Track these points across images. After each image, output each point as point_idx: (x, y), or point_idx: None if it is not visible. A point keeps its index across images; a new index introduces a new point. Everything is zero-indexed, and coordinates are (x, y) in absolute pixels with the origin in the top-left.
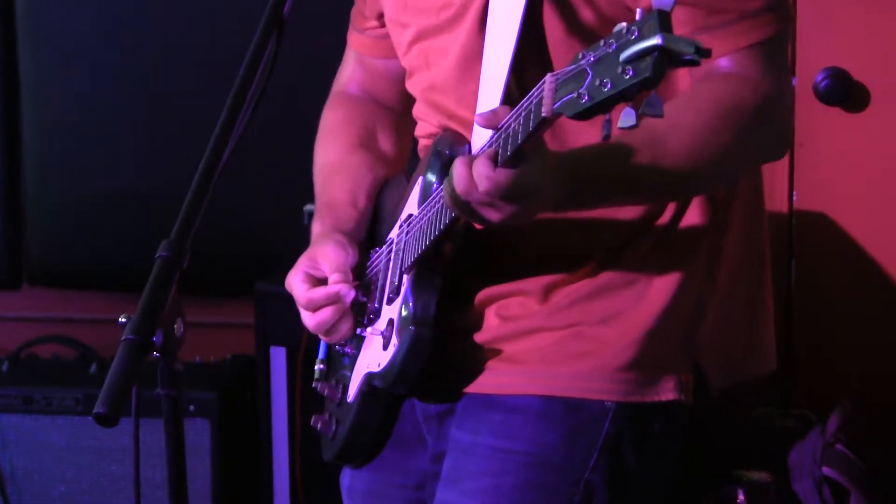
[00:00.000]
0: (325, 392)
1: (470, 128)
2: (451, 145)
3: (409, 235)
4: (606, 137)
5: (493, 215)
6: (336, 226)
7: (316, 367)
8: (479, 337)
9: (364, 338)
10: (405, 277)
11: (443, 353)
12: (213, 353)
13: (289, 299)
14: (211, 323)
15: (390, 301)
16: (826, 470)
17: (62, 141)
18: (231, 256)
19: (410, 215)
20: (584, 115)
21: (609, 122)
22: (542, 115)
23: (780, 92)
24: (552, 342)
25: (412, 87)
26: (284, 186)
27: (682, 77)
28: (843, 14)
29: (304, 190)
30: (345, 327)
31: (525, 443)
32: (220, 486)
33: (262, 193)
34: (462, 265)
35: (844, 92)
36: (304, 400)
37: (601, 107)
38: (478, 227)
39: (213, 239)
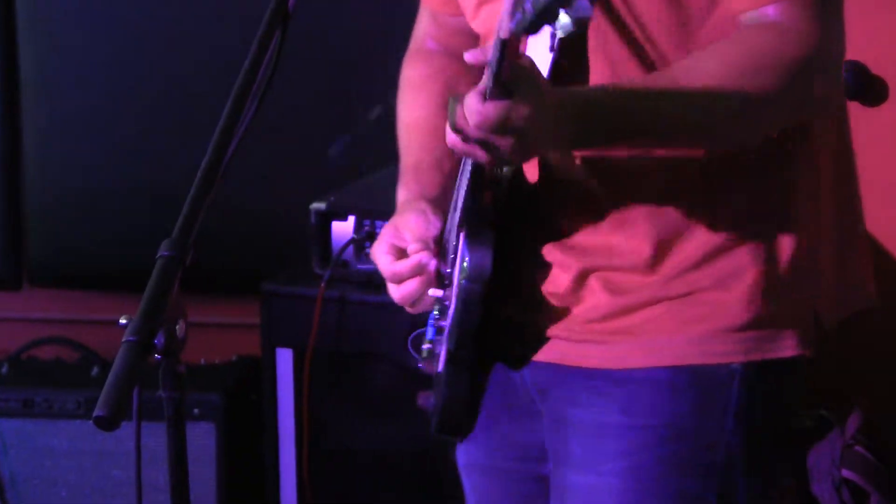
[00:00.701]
0: (428, 369)
1: None
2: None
3: (459, 190)
4: (552, 49)
5: (490, 152)
6: (421, 192)
7: (424, 347)
8: (582, 310)
9: (447, 305)
10: (461, 234)
11: (510, 314)
12: (218, 354)
13: (295, 299)
14: (215, 323)
15: (453, 263)
16: (845, 472)
17: (63, 140)
18: (236, 255)
19: (464, 170)
20: (532, 27)
21: (554, 35)
22: (500, 37)
23: (828, 45)
24: (669, 311)
25: None
26: (291, 184)
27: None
28: (861, 8)
29: (312, 187)
30: (429, 298)
31: (658, 416)
32: (224, 492)
33: (269, 191)
34: (517, 218)
35: (863, 86)
36: (312, 403)
37: (543, 16)
38: (486, 167)
39: (217, 237)
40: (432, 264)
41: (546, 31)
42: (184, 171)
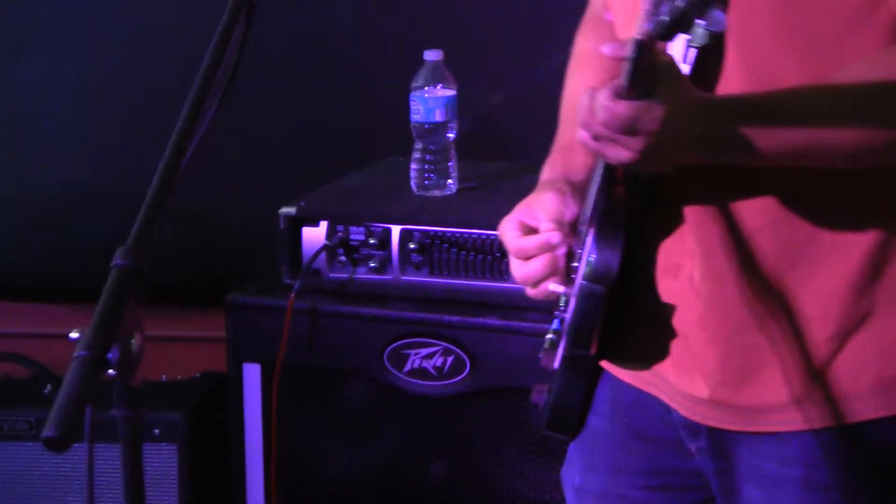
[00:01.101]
0: (545, 362)
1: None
2: None
3: (592, 186)
4: (685, 59)
5: (618, 152)
6: (564, 174)
7: (546, 338)
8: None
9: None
10: (589, 231)
11: (634, 325)
12: (181, 370)
13: (263, 310)
14: (178, 337)
15: (580, 258)
16: None
17: (10, 142)
18: (200, 264)
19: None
20: (667, 34)
21: (688, 45)
22: (637, 38)
23: None
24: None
25: None
26: (259, 188)
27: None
28: None
29: (281, 192)
30: (551, 283)
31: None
32: None
33: (234, 195)
34: (659, 218)
35: None
36: (281, 422)
37: (679, 24)
38: (617, 168)
39: (179, 245)
40: (563, 246)
41: (680, 39)
42: (141, 177)
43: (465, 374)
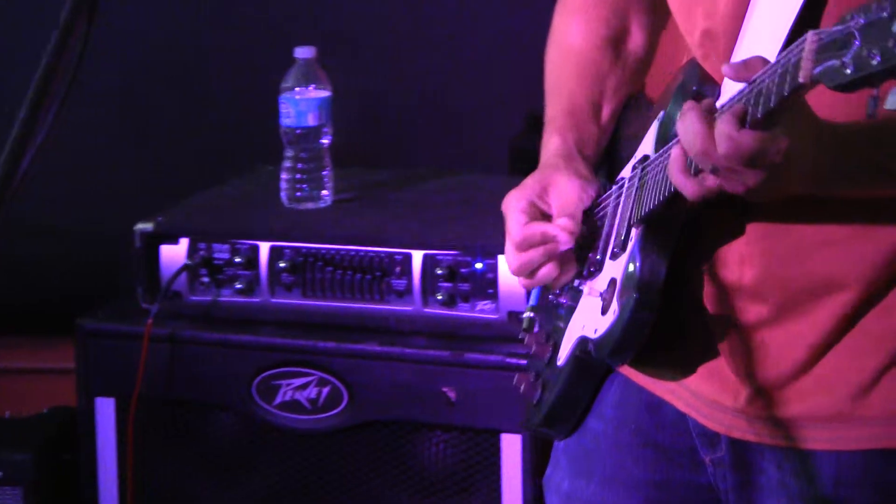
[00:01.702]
0: (533, 347)
1: (710, 65)
2: (701, 82)
3: (646, 181)
4: (871, 117)
5: (733, 184)
6: (578, 145)
7: (524, 316)
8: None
9: (581, 291)
10: (633, 232)
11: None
12: (27, 406)
13: (118, 338)
14: (22, 369)
15: (615, 256)
16: None
17: None
18: (47, 287)
19: (646, 156)
20: (846, 87)
21: (875, 100)
22: (800, 80)
23: None
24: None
25: None
26: (111, 202)
27: None
28: None
29: (135, 205)
30: (546, 272)
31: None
32: None
33: (83, 210)
34: (714, 226)
35: None
36: (138, 462)
37: (867, 81)
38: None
39: (23, 266)
40: (567, 245)
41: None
42: None
43: (342, 406)
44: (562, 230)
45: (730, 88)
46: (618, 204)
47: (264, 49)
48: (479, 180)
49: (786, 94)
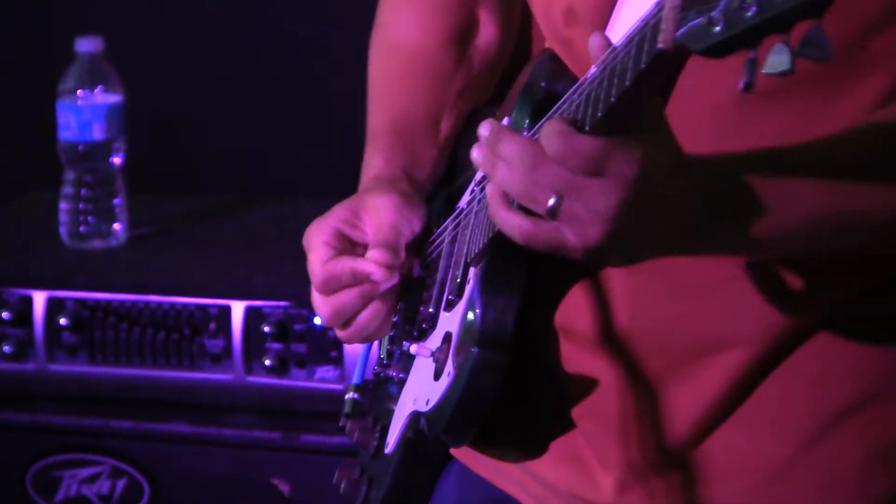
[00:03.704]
0: (356, 436)
1: (574, 51)
2: (552, 78)
3: (480, 207)
4: (748, 86)
5: (580, 217)
6: (406, 167)
7: (347, 397)
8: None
9: (414, 356)
10: (471, 272)
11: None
12: None
13: None
14: None
15: (450, 305)
16: None
17: None
18: None
19: (485, 177)
20: (717, 49)
21: (753, 63)
22: (659, 46)
23: None
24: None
25: None
26: None
27: None
28: None
29: None
30: (365, 320)
31: None
32: None
33: None
34: (571, 265)
35: None
36: None
37: (741, 40)
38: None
39: None
40: (387, 284)
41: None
42: None
43: (143, 502)
44: (377, 265)
45: None
46: (454, 239)
47: (37, 41)
48: (318, 208)
49: (643, 66)
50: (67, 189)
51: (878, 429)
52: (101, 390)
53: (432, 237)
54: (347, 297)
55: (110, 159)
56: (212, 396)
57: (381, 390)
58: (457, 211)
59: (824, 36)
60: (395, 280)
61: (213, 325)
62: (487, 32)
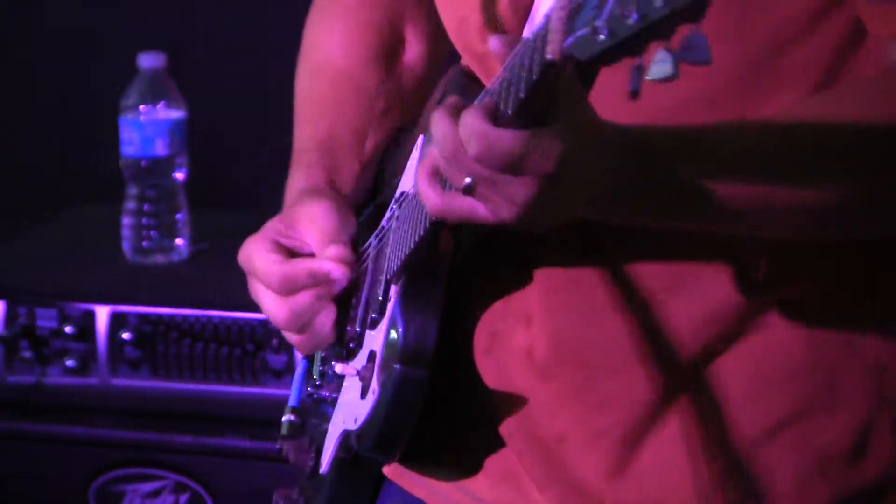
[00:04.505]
0: (291, 456)
1: (487, 66)
2: (464, 92)
3: (400, 223)
4: (634, 93)
5: (495, 205)
6: (331, 182)
7: (284, 419)
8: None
9: (343, 376)
10: (392, 289)
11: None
12: None
13: None
14: None
15: (373, 324)
16: None
17: None
18: None
19: (403, 193)
20: (602, 58)
21: (639, 70)
22: (548, 57)
23: None
24: None
25: None
26: None
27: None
28: None
29: None
30: (324, 322)
31: None
32: None
33: None
34: (483, 265)
35: None
36: None
37: (625, 48)
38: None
39: None
40: (343, 280)
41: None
42: None
43: None
44: (335, 262)
45: None
46: (377, 256)
47: (100, 56)
48: None
49: (535, 78)
50: (130, 204)
51: (815, 439)
52: (164, 405)
53: (359, 255)
54: (305, 297)
55: (173, 174)
56: (274, 412)
57: (316, 411)
58: (378, 233)
59: (704, 39)
60: (350, 276)
61: (275, 341)
62: (414, 50)
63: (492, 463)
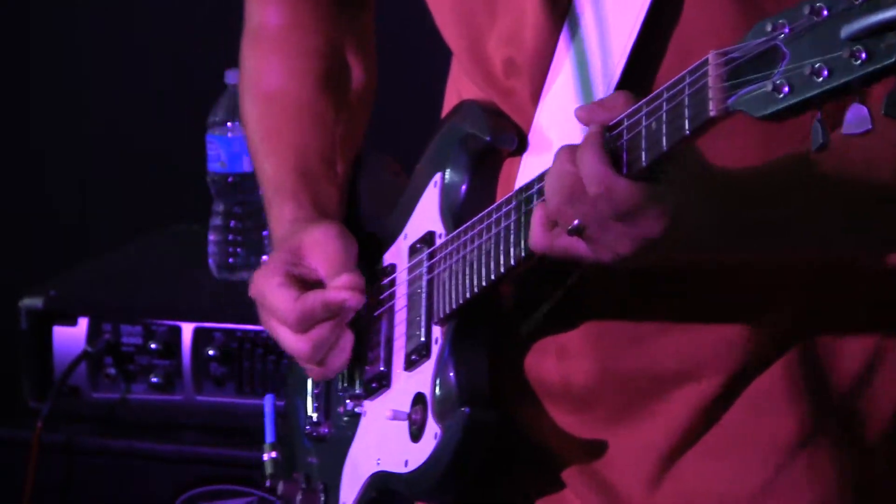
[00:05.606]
0: (298, 498)
1: (515, 102)
2: (494, 130)
3: (443, 268)
4: (822, 147)
5: (599, 244)
6: (320, 208)
7: (265, 458)
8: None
9: (359, 414)
10: (437, 331)
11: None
12: None
13: None
14: None
15: (412, 365)
16: None
17: None
18: None
19: (431, 233)
20: (782, 114)
21: (822, 126)
22: (711, 113)
23: None
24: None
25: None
26: None
27: None
28: None
29: (21, 277)
30: (341, 350)
31: None
32: None
33: None
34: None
35: None
36: None
37: (810, 104)
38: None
39: None
40: (360, 304)
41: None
42: None
43: None
44: (350, 291)
45: (541, 138)
46: (404, 299)
47: (187, 73)
48: None
49: (688, 132)
50: (216, 220)
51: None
52: (248, 421)
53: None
54: (324, 330)
55: (259, 191)
56: None
57: (296, 445)
58: (389, 268)
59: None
60: (363, 302)
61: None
62: (357, 75)
63: (533, 493)
